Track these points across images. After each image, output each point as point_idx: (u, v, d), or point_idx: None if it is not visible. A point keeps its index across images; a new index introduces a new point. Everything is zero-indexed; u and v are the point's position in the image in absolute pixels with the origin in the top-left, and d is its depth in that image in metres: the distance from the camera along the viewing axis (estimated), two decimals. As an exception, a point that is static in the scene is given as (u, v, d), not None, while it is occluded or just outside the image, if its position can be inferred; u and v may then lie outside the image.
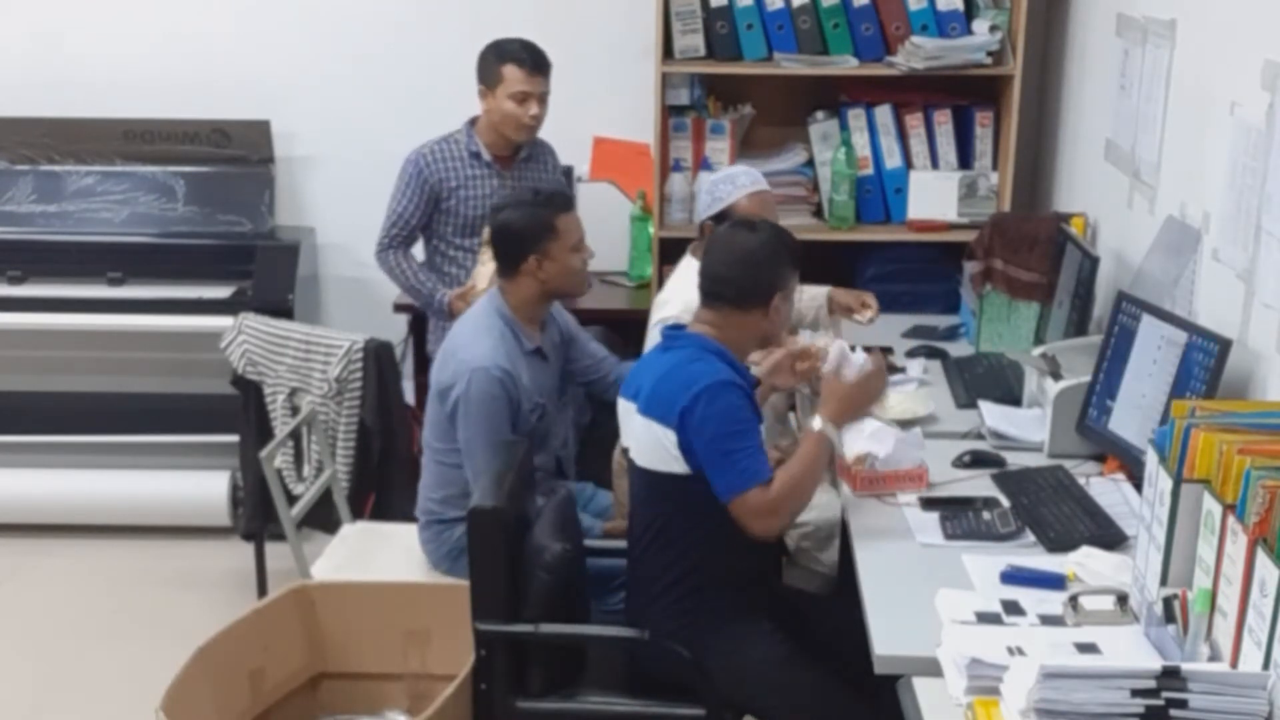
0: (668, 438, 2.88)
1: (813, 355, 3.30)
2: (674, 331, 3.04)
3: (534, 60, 4.17)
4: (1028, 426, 3.38)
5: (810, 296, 3.96)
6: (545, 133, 4.87)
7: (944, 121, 4.58)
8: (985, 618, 2.48)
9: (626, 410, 3.02)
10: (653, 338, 3.70)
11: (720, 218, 3.66)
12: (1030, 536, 2.85)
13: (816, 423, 2.95)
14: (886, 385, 3.03)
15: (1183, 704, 1.94)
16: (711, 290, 3.00)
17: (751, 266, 2.97)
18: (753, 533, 2.85)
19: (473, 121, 4.27)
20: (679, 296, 3.67)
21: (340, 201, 5.07)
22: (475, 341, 3.44)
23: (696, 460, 2.85)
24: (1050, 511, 2.93)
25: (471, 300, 3.83)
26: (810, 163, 4.65)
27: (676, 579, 2.93)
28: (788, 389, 3.53)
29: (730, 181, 3.74)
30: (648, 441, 2.93)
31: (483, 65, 4.20)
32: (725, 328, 2.97)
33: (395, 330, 4.59)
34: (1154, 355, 3.03)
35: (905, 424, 3.39)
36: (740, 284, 2.97)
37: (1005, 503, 3.01)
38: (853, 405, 3.01)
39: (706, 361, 2.90)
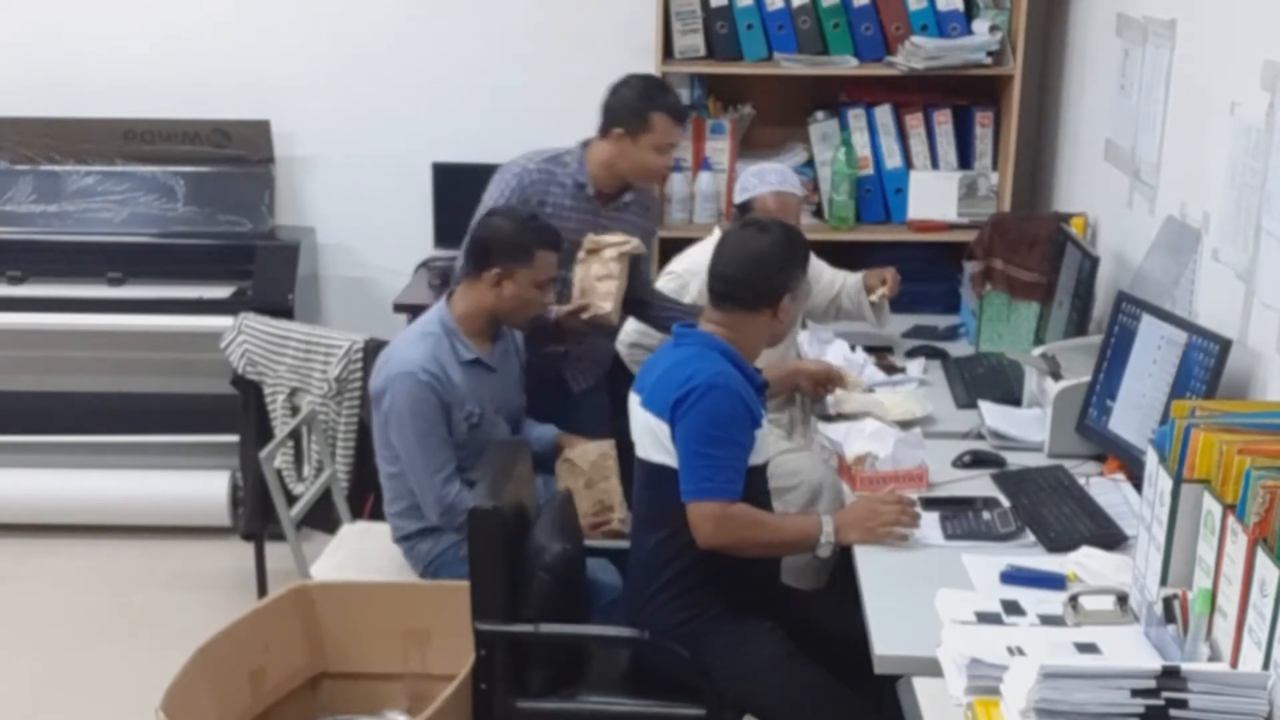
0: (661, 430, 2.89)
1: (835, 379, 3.53)
2: (684, 329, 3.04)
3: (683, 109, 3.87)
4: (1028, 426, 3.38)
5: (850, 287, 4.07)
6: (546, 133, 4.88)
7: (944, 121, 4.58)
8: (985, 618, 2.48)
9: (633, 404, 3.03)
10: (662, 282, 3.86)
11: (744, 208, 3.84)
12: (1030, 536, 2.85)
13: (828, 523, 2.89)
14: (899, 519, 2.89)
15: (1183, 704, 1.94)
16: (721, 291, 3.00)
17: (761, 268, 2.97)
18: (696, 536, 2.86)
19: (585, 144, 3.90)
20: (689, 257, 3.91)
21: (340, 201, 5.07)
22: (407, 348, 3.43)
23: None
24: (1050, 511, 2.93)
25: (585, 318, 3.72)
26: (810, 163, 4.65)
27: (677, 575, 2.93)
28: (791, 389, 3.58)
29: (759, 176, 3.88)
30: (646, 433, 2.95)
31: (623, 106, 3.79)
32: (734, 328, 2.97)
33: (395, 330, 4.57)
34: (1154, 355, 3.03)
35: (905, 424, 3.39)
36: (750, 286, 2.97)
37: (1005, 503, 3.01)
38: (861, 532, 2.90)
39: (709, 359, 2.91)
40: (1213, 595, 2.14)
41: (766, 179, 3.87)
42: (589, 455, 3.58)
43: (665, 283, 3.91)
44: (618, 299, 3.70)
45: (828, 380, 3.63)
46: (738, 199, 3.91)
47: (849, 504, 3.03)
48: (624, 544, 3.22)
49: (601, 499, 3.55)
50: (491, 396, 3.53)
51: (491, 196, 3.88)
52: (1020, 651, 2.22)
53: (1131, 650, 2.30)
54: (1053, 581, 2.62)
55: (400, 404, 3.36)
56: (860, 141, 4.59)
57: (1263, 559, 1.97)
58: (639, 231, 3.86)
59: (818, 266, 3.97)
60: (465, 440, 3.42)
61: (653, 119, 3.75)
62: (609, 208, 3.91)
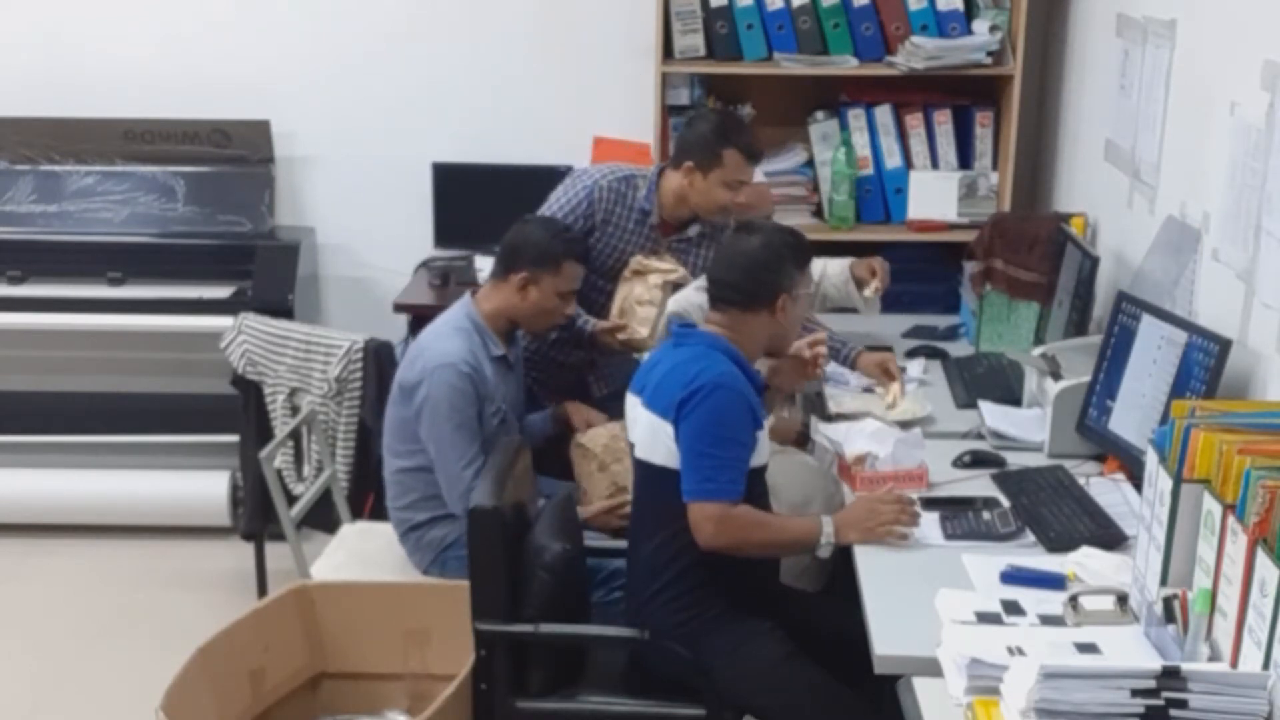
0: (665, 431, 2.89)
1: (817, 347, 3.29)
2: (685, 329, 3.05)
3: (756, 148, 3.85)
4: (1028, 426, 3.38)
5: (833, 274, 4.02)
6: (546, 133, 4.89)
7: (944, 121, 4.58)
8: (985, 618, 2.48)
9: (633, 405, 3.03)
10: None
11: None
12: (1030, 536, 2.85)
13: (828, 523, 2.88)
14: (898, 518, 2.88)
15: (1183, 704, 1.94)
16: (717, 294, 3.03)
17: (753, 269, 2.98)
18: (697, 536, 2.86)
19: (661, 169, 3.94)
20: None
21: (340, 201, 5.07)
22: (442, 341, 3.46)
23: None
24: (1050, 511, 2.93)
25: (620, 338, 3.78)
26: (810, 163, 4.65)
27: (677, 576, 2.93)
28: (792, 389, 3.50)
29: None
30: (649, 435, 2.94)
31: (697, 140, 3.82)
32: (734, 329, 2.98)
33: (395, 330, 4.59)
34: (1154, 355, 3.03)
35: (905, 424, 3.39)
36: (742, 287, 2.98)
37: (1005, 503, 3.01)
38: (861, 532, 2.89)
39: (712, 359, 2.91)
40: (1213, 595, 2.14)
41: None
42: (600, 438, 3.61)
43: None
44: (654, 326, 3.72)
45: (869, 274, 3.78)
46: None
47: (848, 504, 3.03)
48: (618, 543, 3.22)
49: (615, 480, 3.56)
50: (509, 395, 3.57)
51: (559, 201, 3.91)
52: (1020, 651, 2.22)
53: (1131, 650, 2.30)
54: (1053, 581, 2.62)
55: (438, 395, 3.37)
56: (860, 141, 4.58)
57: (1263, 559, 1.97)
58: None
59: None
60: (491, 436, 3.44)
61: (724, 155, 3.76)
62: (670, 239, 3.93)
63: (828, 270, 4.05)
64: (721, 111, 4.05)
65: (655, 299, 3.75)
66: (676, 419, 2.87)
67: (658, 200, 3.90)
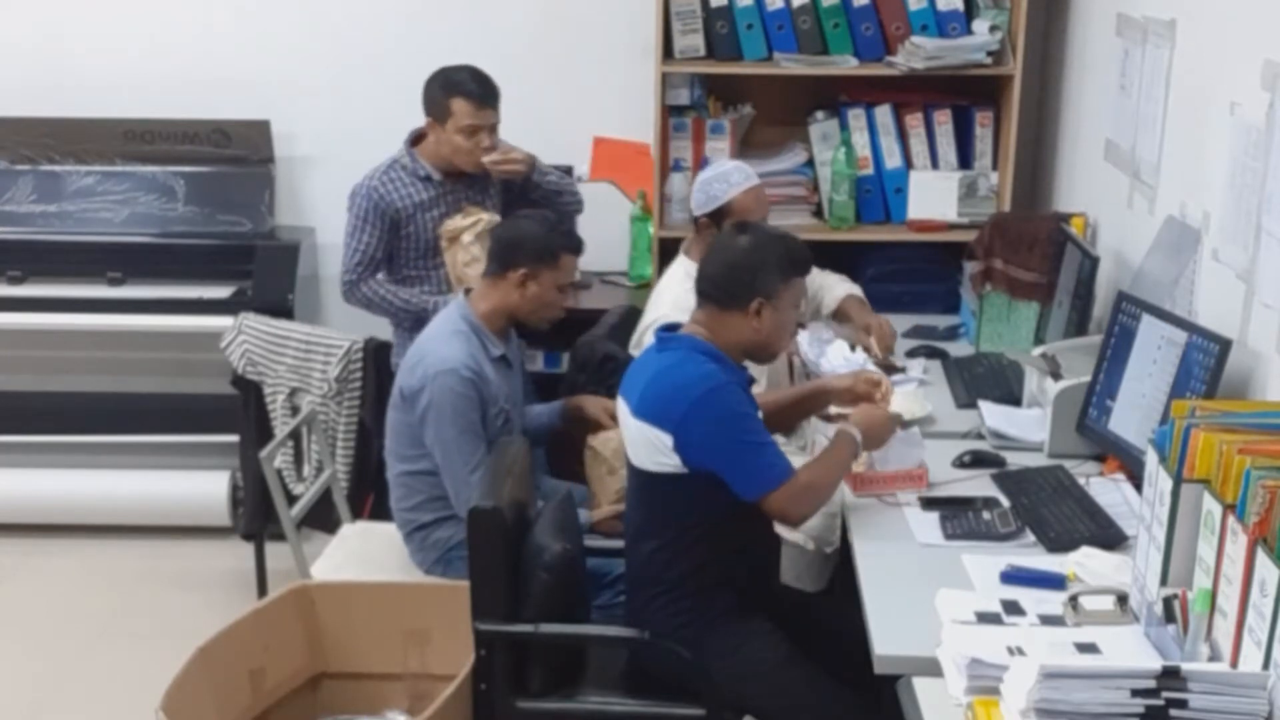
0: (661, 440, 2.87)
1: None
2: (667, 333, 3.03)
3: (482, 91, 4.00)
4: (1028, 426, 3.38)
5: (826, 303, 4.04)
6: (546, 133, 4.88)
7: (944, 121, 4.58)
8: (985, 618, 2.48)
9: (623, 410, 3.02)
10: (645, 339, 3.72)
11: (717, 215, 3.73)
12: (1030, 536, 2.85)
13: (856, 432, 2.98)
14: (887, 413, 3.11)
15: (1183, 704, 1.94)
16: (700, 288, 3.01)
17: (734, 268, 2.95)
18: (785, 523, 3.01)
19: (414, 141, 4.10)
20: (669, 293, 3.75)
21: (340, 201, 5.00)
22: (444, 345, 3.45)
23: (698, 462, 2.85)
24: (1050, 511, 2.93)
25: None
26: (810, 163, 4.65)
27: (676, 580, 2.93)
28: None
29: (724, 179, 3.77)
30: (641, 442, 2.93)
31: (429, 97, 4.04)
32: (713, 328, 2.97)
33: (395, 331, 4.58)
34: (1154, 355, 3.03)
35: (905, 424, 3.39)
36: (721, 283, 2.96)
37: (1005, 503, 3.01)
38: (876, 437, 3.05)
39: (697, 363, 2.89)
40: (1213, 595, 2.14)
41: (733, 180, 3.75)
42: (611, 442, 3.60)
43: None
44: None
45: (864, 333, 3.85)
46: (708, 207, 3.74)
47: (857, 417, 3.07)
48: (618, 542, 3.22)
49: (624, 485, 3.55)
50: (514, 394, 3.57)
51: (353, 225, 4.06)
52: (1020, 651, 2.22)
53: (1131, 650, 2.30)
54: (1053, 581, 2.62)
55: (442, 400, 3.37)
56: (860, 141, 4.58)
57: (1263, 559, 1.97)
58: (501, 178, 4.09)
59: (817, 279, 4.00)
60: (495, 436, 3.44)
61: (451, 104, 3.99)
62: (460, 182, 4.09)
63: (823, 299, 4.05)
64: (447, 67, 4.09)
65: (476, 255, 3.89)
66: (680, 433, 2.85)
67: (426, 162, 4.06)
